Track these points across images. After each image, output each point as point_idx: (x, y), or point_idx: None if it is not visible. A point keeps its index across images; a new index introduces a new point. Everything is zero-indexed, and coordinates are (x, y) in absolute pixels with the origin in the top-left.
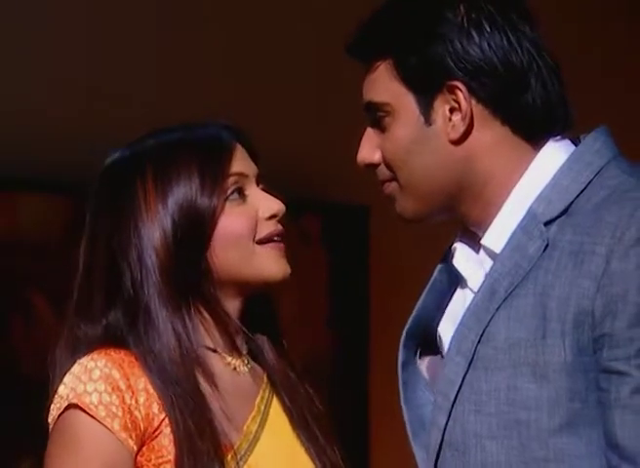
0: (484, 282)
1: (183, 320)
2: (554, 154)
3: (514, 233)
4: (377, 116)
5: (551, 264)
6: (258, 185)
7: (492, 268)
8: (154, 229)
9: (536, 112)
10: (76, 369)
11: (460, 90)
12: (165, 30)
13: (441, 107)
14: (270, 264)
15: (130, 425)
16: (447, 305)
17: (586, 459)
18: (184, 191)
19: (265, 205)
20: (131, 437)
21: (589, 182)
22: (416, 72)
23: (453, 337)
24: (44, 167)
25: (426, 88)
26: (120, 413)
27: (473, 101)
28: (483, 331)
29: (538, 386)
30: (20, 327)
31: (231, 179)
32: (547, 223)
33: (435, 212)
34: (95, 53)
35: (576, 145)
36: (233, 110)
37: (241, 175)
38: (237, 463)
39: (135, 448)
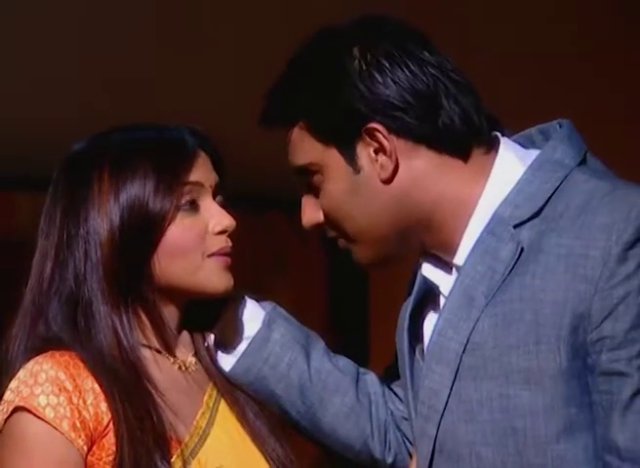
0: (454, 287)
1: (121, 318)
2: (510, 165)
3: (481, 237)
4: (307, 179)
5: (538, 268)
6: (215, 196)
7: (461, 273)
8: (103, 223)
9: (455, 129)
10: (21, 373)
11: (378, 130)
12: (165, 31)
13: (364, 152)
14: (214, 278)
15: (79, 425)
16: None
17: (584, 465)
18: (137, 191)
19: (216, 219)
20: (80, 436)
21: (557, 188)
22: (330, 126)
23: (429, 346)
24: (42, 166)
25: (345, 138)
26: (68, 414)
27: (393, 138)
28: (467, 341)
29: (532, 393)
30: (16, 333)
31: (186, 188)
32: (517, 226)
33: (393, 252)
34: (95, 52)
35: (525, 147)
36: (234, 110)
37: (197, 184)
38: (187, 458)
39: (85, 447)
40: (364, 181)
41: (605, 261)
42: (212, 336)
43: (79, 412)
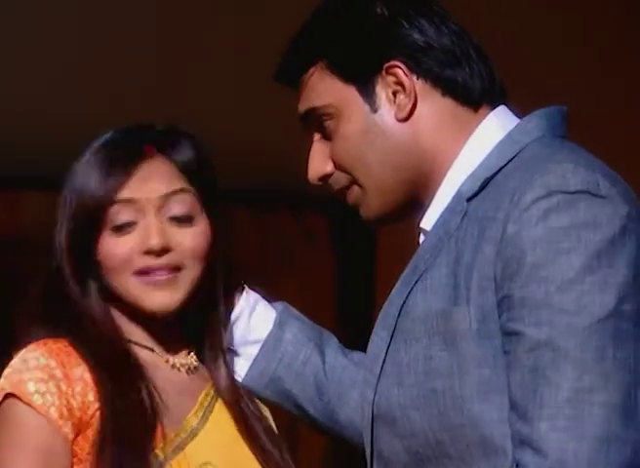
0: (411, 258)
1: (101, 310)
2: (491, 133)
3: (443, 212)
4: (320, 124)
5: (461, 233)
6: (161, 208)
7: (420, 246)
8: (62, 229)
9: (472, 82)
10: (14, 361)
11: (400, 68)
12: (165, 30)
13: (383, 91)
14: (143, 297)
15: (66, 413)
16: None
17: (499, 425)
18: (80, 195)
19: (143, 239)
20: (67, 425)
21: (511, 160)
22: (352, 62)
23: (380, 314)
24: (47, 166)
25: (366, 75)
26: (57, 402)
27: (413, 77)
28: (402, 304)
29: (448, 354)
30: (24, 324)
31: (113, 208)
32: (469, 199)
33: (399, 205)
34: (98, 53)
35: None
36: (236, 110)
37: (128, 202)
38: (168, 454)
39: (71, 436)
40: (380, 121)
41: (504, 223)
42: (222, 337)
43: (67, 401)
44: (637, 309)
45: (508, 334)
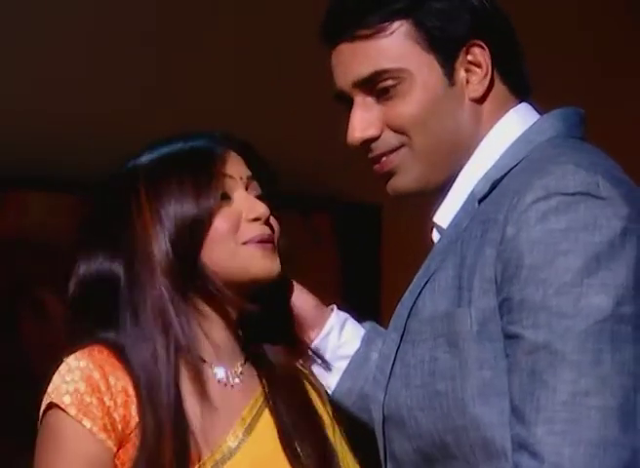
0: (425, 260)
1: (180, 317)
2: (509, 130)
3: (458, 212)
4: (382, 86)
5: (466, 235)
6: (247, 189)
7: (434, 247)
8: (151, 246)
9: (524, 75)
10: (62, 368)
11: (483, 48)
12: (166, 30)
13: (462, 67)
14: (254, 262)
15: (109, 426)
16: None
17: (499, 428)
18: (176, 206)
19: (249, 208)
20: (110, 437)
21: (522, 159)
22: (442, 31)
23: (392, 316)
24: (55, 166)
25: (451, 47)
26: (100, 415)
27: (490, 61)
28: (412, 306)
29: (451, 356)
30: (29, 326)
31: (218, 183)
32: (480, 201)
33: (437, 181)
34: (104, 53)
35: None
36: (236, 110)
37: (228, 177)
38: None
39: (114, 449)
40: (453, 96)
41: (504, 225)
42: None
43: (109, 414)
44: (637, 312)
45: (509, 337)
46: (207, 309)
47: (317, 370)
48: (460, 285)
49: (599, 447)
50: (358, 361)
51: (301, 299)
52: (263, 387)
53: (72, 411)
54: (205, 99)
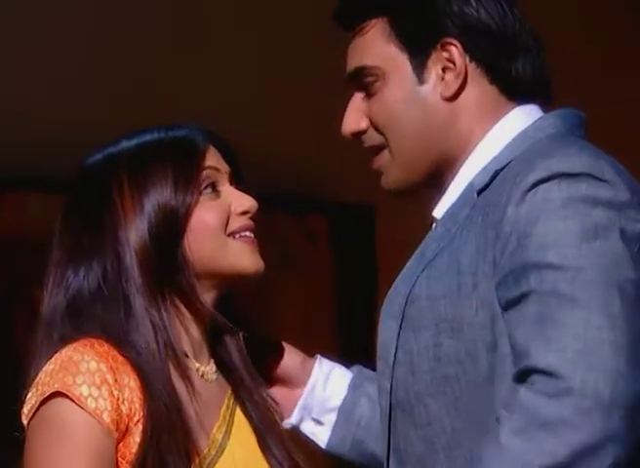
0: (418, 248)
1: (161, 313)
2: (510, 128)
3: (453, 203)
4: (364, 82)
5: (467, 222)
6: (231, 184)
7: (428, 235)
8: (132, 233)
9: (523, 76)
10: (60, 359)
11: (455, 46)
12: (166, 30)
13: (434, 66)
14: (243, 257)
15: (117, 418)
16: None
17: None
18: (159, 194)
19: (238, 201)
20: (117, 430)
21: (522, 153)
22: (412, 30)
23: (385, 302)
24: (53, 167)
25: (422, 46)
26: (109, 407)
27: (466, 58)
28: (409, 293)
29: (456, 341)
30: (24, 324)
31: (205, 173)
32: (479, 192)
33: (421, 182)
34: (106, 53)
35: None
36: (238, 110)
37: (214, 168)
38: None
39: (116, 442)
40: (424, 94)
41: (505, 206)
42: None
43: (118, 407)
44: (634, 278)
45: (513, 304)
46: (182, 306)
47: (308, 427)
48: (459, 270)
49: (612, 375)
50: (347, 409)
51: (288, 359)
52: (232, 387)
53: (90, 404)
54: (204, 100)
